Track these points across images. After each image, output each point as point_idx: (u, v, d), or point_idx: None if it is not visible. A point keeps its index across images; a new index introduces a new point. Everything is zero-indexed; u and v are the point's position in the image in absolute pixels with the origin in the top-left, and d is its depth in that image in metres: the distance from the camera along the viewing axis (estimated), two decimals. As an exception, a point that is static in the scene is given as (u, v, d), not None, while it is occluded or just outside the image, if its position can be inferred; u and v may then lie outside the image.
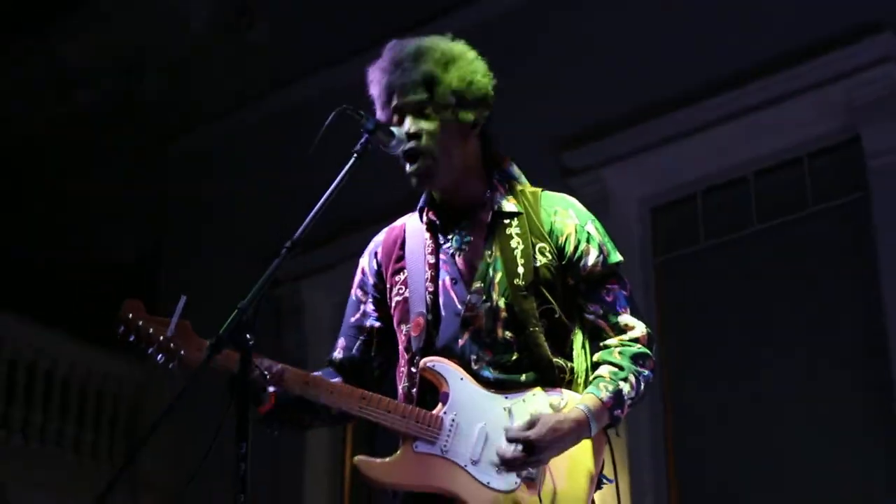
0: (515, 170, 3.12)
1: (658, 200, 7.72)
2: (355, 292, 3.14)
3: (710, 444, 7.10)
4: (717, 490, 6.99)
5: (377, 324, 3.09)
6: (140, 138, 10.27)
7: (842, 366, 6.77)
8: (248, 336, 2.58)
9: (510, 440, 2.76)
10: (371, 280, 3.11)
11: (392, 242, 3.10)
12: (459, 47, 3.03)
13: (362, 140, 2.88)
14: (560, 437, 2.75)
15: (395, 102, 2.99)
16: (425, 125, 2.95)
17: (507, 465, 2.76)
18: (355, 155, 2.86)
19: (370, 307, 3.10)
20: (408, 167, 2.97)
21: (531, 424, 2.76)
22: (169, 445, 8.05)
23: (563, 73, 7.93)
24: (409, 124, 2.95)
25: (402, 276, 3.03)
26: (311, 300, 8.77)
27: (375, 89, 3.04)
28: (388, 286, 3.06)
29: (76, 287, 10.45)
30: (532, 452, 2.73)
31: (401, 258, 3.05)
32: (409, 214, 3.14)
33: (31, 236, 10.98)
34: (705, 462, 7.09)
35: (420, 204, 3.10)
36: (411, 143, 2.94)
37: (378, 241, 3.15)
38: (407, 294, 2.99)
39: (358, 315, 3.12)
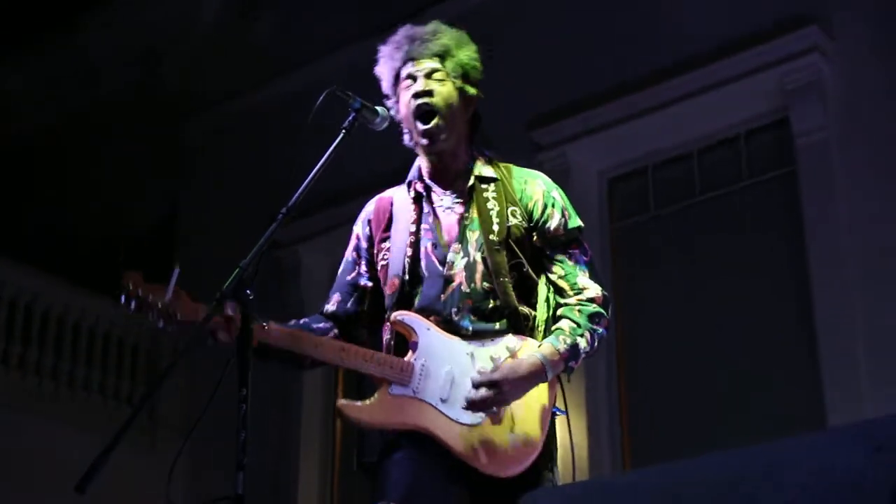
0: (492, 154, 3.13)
1: (614, 173, 7.72)
2: (350, 254, 3.13)
3: (658, 389, 7.14)
4: (663, 424, 7.04)
5: (369, 283, 3.08)
6: (158, 118, 10.17)
7: (773, 317, 6.81)
8: (248, 292, 2.59)
9: (476, 386, 2.76)
10: (364, 244, 3.11)
11: (382, 212, 3.09)
12: (468, 37, 3.07)
13: (350, 117, 2.88)
14: (519, 378, 2.76)
15: (409, 70, 2.99)
16: (437, 87, 2.96)
17: (474, 407, 2.77)
18: (343, 131, 2.86)
19: (363, 268, 3.10)
20: (419, 126, 2.96)
21: (494, 370, 2.78)
22: (182, 388, 8.02)
23: (532, 61, 7.91)
24: (421, 83, 2.96)
25: (387, 244, 3.04)
26: (309, 261, 8.72)
27: (387, 63, 3.03)
28: (376, 251, 3.07)
29: (102, 250, 10.40)
30: (497, 392, 2.75)
31: (388, 228, 3.05)
32: (397, 187, 3.12)
33: (65, 209, 10.90)
34: (653, 404, 7.14)
35: (409, 177, 3.08)
36: (424, 100, 2.95)
37: (369, 210, 3.13)
38: (389, 259, 3.01)
39: (353, 274, 3.11)
